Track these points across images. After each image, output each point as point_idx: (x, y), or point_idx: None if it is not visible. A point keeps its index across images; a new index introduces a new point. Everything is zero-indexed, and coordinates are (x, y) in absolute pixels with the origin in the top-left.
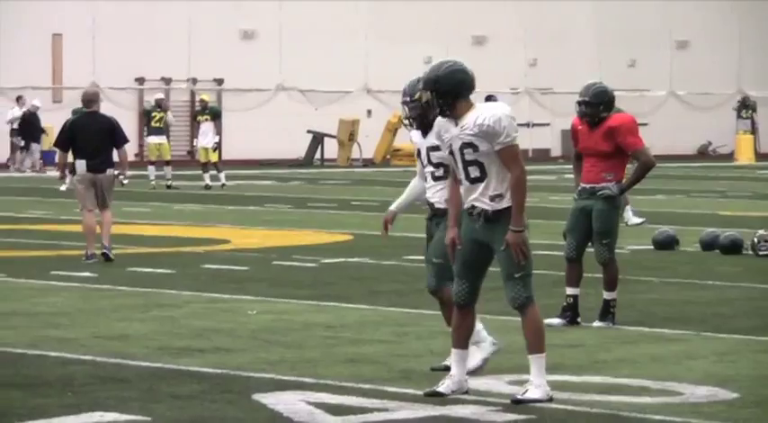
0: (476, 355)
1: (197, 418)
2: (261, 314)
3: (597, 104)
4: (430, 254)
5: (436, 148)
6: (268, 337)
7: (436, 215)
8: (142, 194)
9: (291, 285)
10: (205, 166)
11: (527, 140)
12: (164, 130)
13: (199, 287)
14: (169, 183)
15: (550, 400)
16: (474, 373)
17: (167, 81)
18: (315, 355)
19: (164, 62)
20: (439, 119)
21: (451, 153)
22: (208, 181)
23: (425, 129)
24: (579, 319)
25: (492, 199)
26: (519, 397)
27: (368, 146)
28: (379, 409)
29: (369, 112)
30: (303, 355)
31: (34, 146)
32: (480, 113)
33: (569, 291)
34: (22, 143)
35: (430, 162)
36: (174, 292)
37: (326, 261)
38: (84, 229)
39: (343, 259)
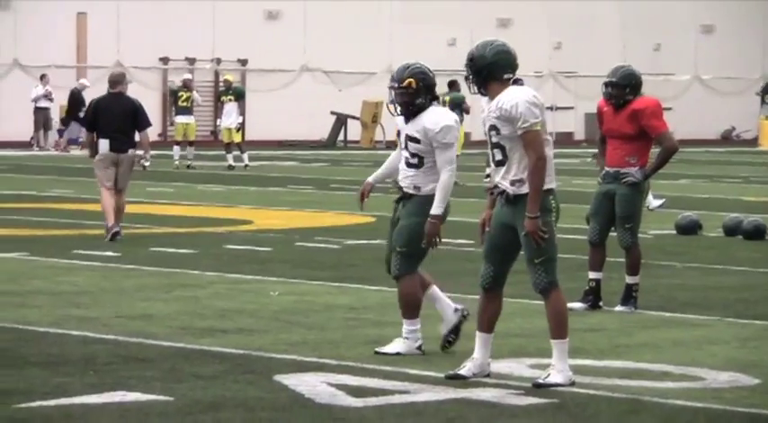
0: (395, 346)
1: (219, 399)
2: (283, 295)
3: (624, 86)
4: (395, 241)
5: (415, 140)
6: (290, 318)
7: (404, 198)
8: (165, 174)
9: (314, 267)
10: (228, 147)
11: (550, 124)
12: (191, 109)
13: (221, 268)
14: (190, 163)
15: (572, 384)
16: (382, 353)
17: (191, 61)
18: (337, 336)
19: (188, 42)
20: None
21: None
22: (231, 161)
23: (408, 116)
24: (601, 304)
25: (512, 183)
26: (540, 381)
27: (391, 127)
28: (400, 392)
29: None
30: (325, 336)
31: (74, 125)
32: (502, 97)
33: (592, 275)
34: (82, 113)
35: (407, 148)
36: (197, 272)
37: (349, 242)
38: (103, 206)
39: (365, 241)
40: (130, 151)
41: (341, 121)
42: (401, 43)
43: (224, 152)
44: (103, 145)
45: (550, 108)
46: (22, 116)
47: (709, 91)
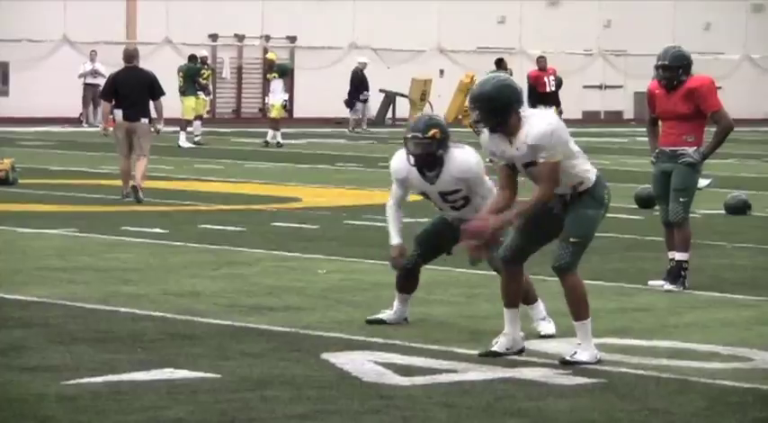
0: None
1: (266, 376)
2: (331, 273)
3: (676, 68)
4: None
5: (454, 192)
6: (338, 296)
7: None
8: (214, 151)
9: (362, 244)
10: (275, 123)
11: (599, 102)
12: (203, 86)
13: (269, 245)
14: (198, 139)
15: (598, 362)
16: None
17: (240, 38)
18: None
19: (237, 19)
20: (484, 136)
21: (514, 168)
22: (279, 139)
23: (427, 168)
24: (687, 283)
25: (573, 189)
26: (567, 358)
27: (440, 106)
28: (447, 371)
29: (441, 71)
30: (372, 314)
31: (358, 104)
32: (529, 130)
33: (671, 254)
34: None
35: (446, 202)
36: (245, 249)
37: None
38: (120, 172)
39: (413, 219)
40: (143, 120)
41: (389, 98)
42: (450, 21)
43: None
44: (118, 115)
45: (600, 87)
46: (71, 92)
47: (758, 70)
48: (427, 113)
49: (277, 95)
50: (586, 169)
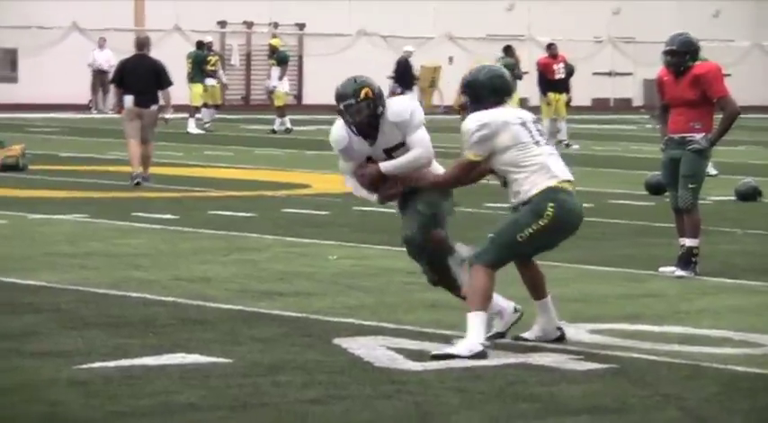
0: (498, 325)
1: (277, 361)
2: (341, 259)
3: (684, 53)
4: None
5: (398, 146)
6: (348, 281)
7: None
8: (223, 138)
9: (372, 230)
10: (281, 110)
11: (609, 89)
12: (216, 73)
13: (279, 231)
14: (208, 126)
15: (477, 356)
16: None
17: (249, 25)
18: (395, 300)
19: (246, 6)
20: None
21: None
22: (288, 124)
23: (370, 133)
24: (698, 269)
25: (514, 196)
26: (435, 352)
27: (449, 93)
28: (459, 356)
29: (450, 58)
30: (383, 300)
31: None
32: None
33: (682, 240)
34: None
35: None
36: (255, 235)
37: None
38: (129, 155)
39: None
40: (153, 107)
41: None
42: (459, 8)
43: (279, 116)
44: (128, 100)
45: (609, 74)
46: (80, 79)
47: None
48: (350, 77)
49: (273, 82)
50: (531, 183)
